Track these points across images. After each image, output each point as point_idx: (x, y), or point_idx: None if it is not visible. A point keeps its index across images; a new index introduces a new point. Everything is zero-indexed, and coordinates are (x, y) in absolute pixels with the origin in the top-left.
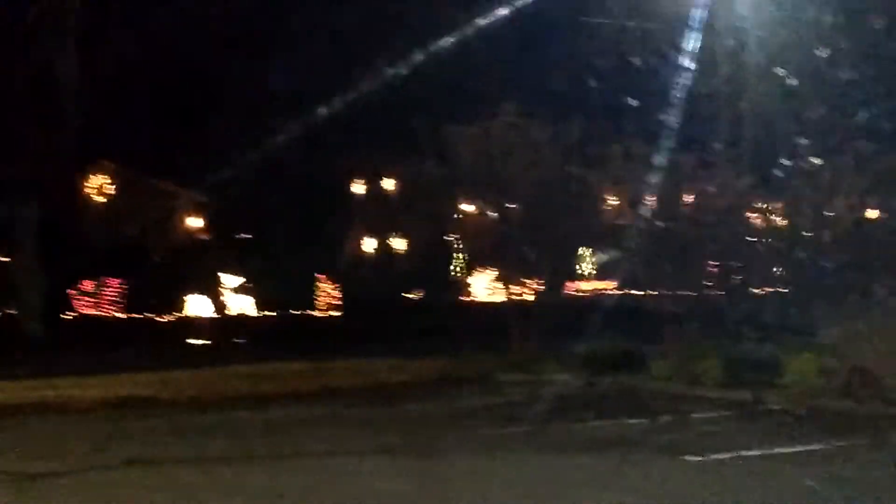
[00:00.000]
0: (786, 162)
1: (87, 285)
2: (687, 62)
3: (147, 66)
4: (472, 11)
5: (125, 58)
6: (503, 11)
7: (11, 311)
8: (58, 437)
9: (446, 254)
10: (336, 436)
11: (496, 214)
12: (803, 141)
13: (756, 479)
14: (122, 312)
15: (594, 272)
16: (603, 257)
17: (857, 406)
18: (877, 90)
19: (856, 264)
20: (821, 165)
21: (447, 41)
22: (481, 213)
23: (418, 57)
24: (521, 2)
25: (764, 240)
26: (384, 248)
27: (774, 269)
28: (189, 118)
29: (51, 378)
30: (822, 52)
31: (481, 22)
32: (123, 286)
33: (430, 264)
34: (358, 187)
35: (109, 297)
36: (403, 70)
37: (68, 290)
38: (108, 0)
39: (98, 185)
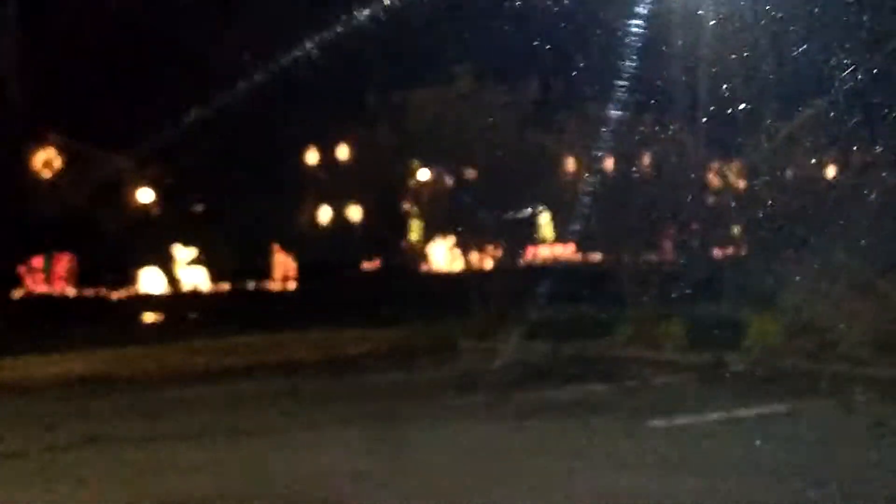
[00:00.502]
0: (743, 121)
1: (37, 262)
2: (643, 21)
3: (92, 36)
4: None
5: (69, 27)
6: None
7: None
8: (12, 418)
9: (403, 222)
10: (295, 409)
11: (452, 181)
12: (760, 100)
13: (721, 442)
14: (74, 288)
15: (553, 237)
16: (560, 221)
17: (820, 366)
18: (833, 48)
19: (816, 223)
20: (778, 124)
21: (399, 3)
22: (437, 180)
23: (369, 20)
24: None
25: (722, 201)
26: (339, 217)
27: (733, 231)
28: (137, 88)
29: (1, 358)
30: (779, 11)
31: None
32: (74, 262)
33: (386, 233)
34: (311, 155)
35: (60, 274)
36: (356, 35)
37: (18, 268)
38: None
39: (44, 160)
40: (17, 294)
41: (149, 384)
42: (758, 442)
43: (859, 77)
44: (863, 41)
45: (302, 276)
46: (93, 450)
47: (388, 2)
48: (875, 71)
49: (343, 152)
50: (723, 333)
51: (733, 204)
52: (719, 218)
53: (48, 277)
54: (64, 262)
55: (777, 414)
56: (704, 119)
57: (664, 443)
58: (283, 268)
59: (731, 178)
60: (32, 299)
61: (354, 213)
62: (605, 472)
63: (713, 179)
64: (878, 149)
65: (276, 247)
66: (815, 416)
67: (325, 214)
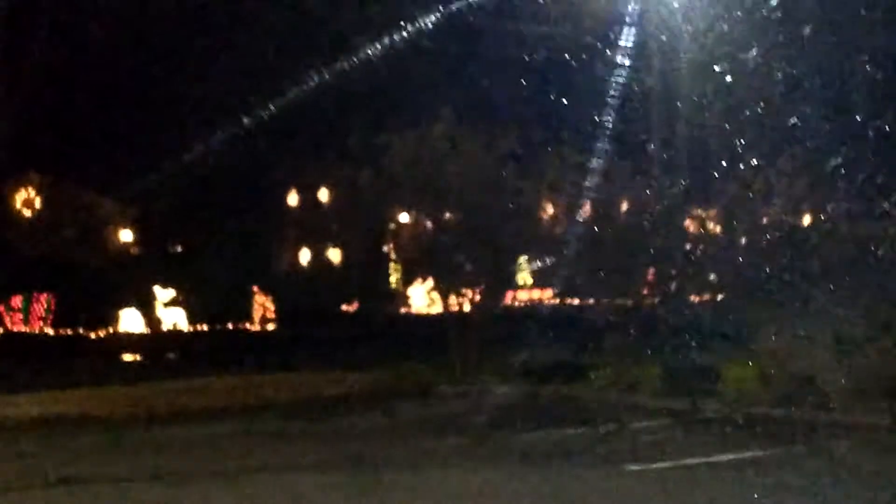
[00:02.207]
0: (720, 168)
1: (16, 301)
2: (621, 70)
3: (75, 77)
4: (405, 19)
5: (52, 68)
6: (437, 19)
7: None
8: None
9: (383, 264)
10: (273, 451)
11: (432, 224)
12: (738, 147)
13: (697, 488)
14: (52, 328)
15: (532, 281)
16: (539, 265)
17: (795, 413)
18: (811, 96)
19: (792, 271)
20: (755, 171)
21: (381, 49)
22: (417, 223)
23: (352, 65)
24: (456, 9)
25: (700, 246)
26: (320, 259)
27: (711, 276)
28: (119, 130)
29: None
30: (757, 59)
31: (415, 30)
32: (53, 301)
33: (366, 275)
34: (292, 197)
35: (39, 313)
36: (337, 79)
37: None
38: (32, 12)
39: (24, 199)
40: None
41: (125, 424)
42: (733, 487)
43: (837, 128)
44: (840, 94)
45: (281, 318)
46: (66, 490)
47: (371, 48)
48: (854, 122)
49: (324, 194)
50: (699, 379)
51: (710, 250)
52: (696, 264)
53: (27, 317)
54: (43, 302)
55: (753, 459)
56: (682, 165)
57: (641, 487)
58: (263, 309)
59: (709, 224)
60: (11, 338)
61: (334, 255)
62: None
63: (691, 225)
64: (854, 197)
65: (255, 288)
66: (789, 462)
67: (304, 256)
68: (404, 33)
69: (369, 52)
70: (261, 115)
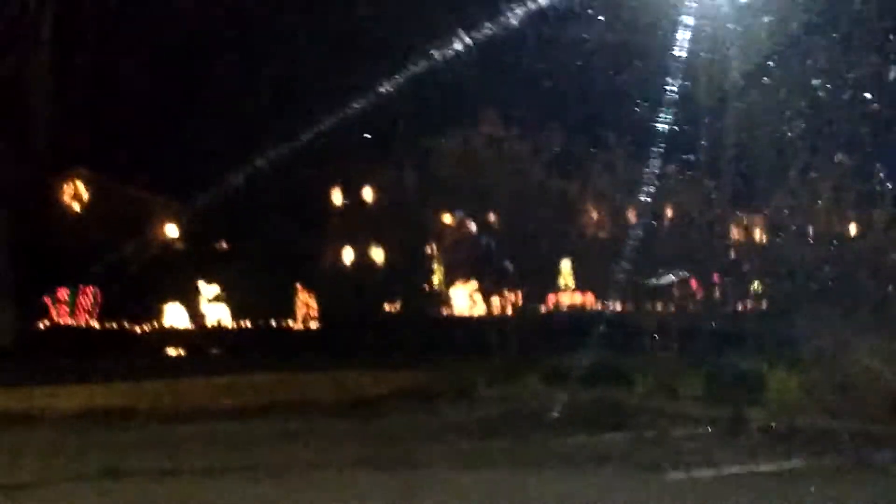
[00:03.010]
0: (768, 176)
1: (62, 294)
2: (668, 75)
3: (123, 73)
4: (455, 22)
5: (100, 64)
6: (485, 21)
7: None
8: (33, 448)
9: (426, 265)
10: (314, 449)
11: (475, 227)
12: (786, 155)
13: (738, 498)
14: (97, 321)
15: (574, 285)
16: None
17: (840, 423)
18: (859, 107)
19: (838, 279)
20: (802, 181)
21: (430, 51)
22: (461, 225)
23: (400, 67)
24: (503, 12)
25: (744, 253)
26: (363, 259)
27: (756, 283)
28: (165, 125)
29: (24, 388)
30: (806, 66)
31: (465, 32)
32: (98, 295)
33: (409, 276)
34: (337, 197)
35: (84, 306)
36: (384, 80)
37: (43, 299)
38: (82, 6)
39: (72, 193)
40: (43, 325)
41: (169, 418)
42: (775, 498)
43: (887, 136)
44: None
45: (324, 317)
46: (112, 482)
47: (419, 49)
48: None
49: (368, 194)
50: (742, 387)
51: (755, 257)
52: (741, 271)
53: (73, 309)
54: (89, 295)
55: (796, 470)
56: (729, 172)
57: (681, 495)
58: (306, 307)
59: (754, 231)
60: (57, 330)
61: (377, 255)
62: None
63: (736, 232)
64: None
65: (298, 286)
66: (833, 474)
67: (348, 256)
68: (453, 35)
69: (416, 53)
70: (307, 114)
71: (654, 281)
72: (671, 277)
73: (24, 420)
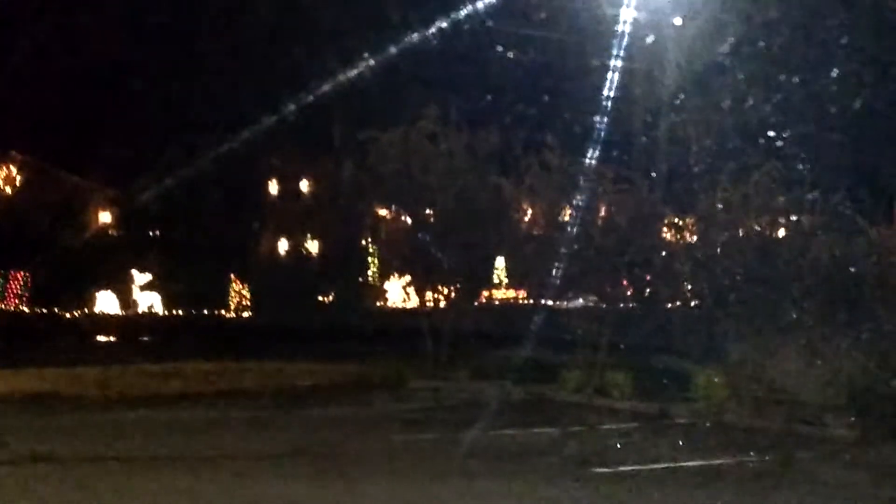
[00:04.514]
0: (700, 177)
1: None
2: (604, 74)
3: (59, 56)
4: (395, 17)
5: (36, 46)
6: (426, 18)
7: None
8: None
9: (361, 258)
10: (241, 438)
11: (411, 220)
12: (718, 157)
13: (663, 492)
14: (28, 306)
15: (507, 281)
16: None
17: (765, 423)
18: (789, 111)
19: (765, 282)
20: (734, 182)
21: (369, 44)
22: (397, 219)
23: (339, 61)
24: (444, 9)
25: (675, 254)
26: (297, 250)
27: (685, 284)
28: (102, 110)
29: None
30: (738, 66)
31: (403, 28)
32: (29, 280)
33: (344, 268)
34: (273, 187)
35: (15, 291)
36: (323, 73)
37: None
38: None
39: (5, 176)
40: None
41: (98, 405)
42: (699, 493)
43: (816, 141)
44: (819, 105)
45: (257, 307)
46: (39, 468)
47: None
48: (833, 134)
49: (305, 186)
50: (670, 385)
51: (685, 259)
52: (671, 270)
53: (2, 294)
54: (20, 280)
55: (720, 467)
56: (662, 173)
57: (607, 490)
58: (239, 297)
59: (685, 232)
60: None
61: (313, 246)
62: None
63: (668, 233)
64: (829, 212)
65: (232, 276)
66: (756, 471)
67: (283, 246)
68: (393, 31)
69: (356, 47)
70: (245, 104)
71: (564, 303)
72: (580, 301)
73: None
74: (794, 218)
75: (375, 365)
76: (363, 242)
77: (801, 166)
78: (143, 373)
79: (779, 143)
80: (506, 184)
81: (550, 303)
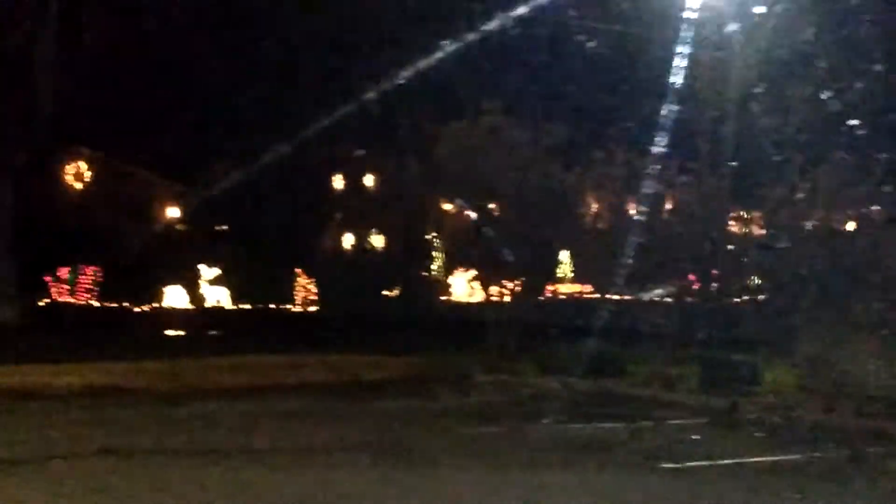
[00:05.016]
0: (768, 170)
1: (63, 272)
2: (672, 68)
3: (128, 54)
4: (459, 11)
5: (105, 43)
6: (491, 12)
7: None
8: (31, 425)
9: (426, 252)
10: (308, 431)
11: (475, 214)
12: (787, 150)
13: (730, 488)
14: (97, 300)
15: (572, 275)
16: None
17: (834, 418)
18: (860, 105)
19: (835, 275)
20: (802, 175)
21: (434, 38)
22: (461, 213)
23: (404, 55)
24: (509, 3)
25: (742, 247)
26: (362, 244)
27: (752, 279)
28: (169, 107)
29: (24, 365)
30: (810, 60)
31: (470, 22)
32: (99, 274)
33: (408, 262)
34: (338, 182)
35: (85, 285)
36: (388, 68)
37: (44, 277)
38: None
39: (75, 172)
40: (43, 303)
41: (166, 398)
42: (768, 489)
43: (887, 132)
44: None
45: (322, 301)
46: (108, 460)
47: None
48: None
49: (369, 180)
50: (738, 379)
51: (753, 251)
52: (739, 264)
53: (73, 288)
54: (90, 274)
55: (788, 462)
56: (729, 167)
57: (674, 485)
58: (305, 291)
59: (753, 225)
60: (57, 308)
61: (377, 241)
62: None
63: (735, 226)
64: None
65: (298, 270)
66: (826, 467)
67: (348, 241)
68: (457, 24)
69: (421, 41)
70: (310, 100)
71: (644, 295)
72: (659, 291)
73: (24, 396)
74: (863, 210)
75: (441, 358)
76: (428, 237)
77: (871, 158)
78: (212, 366)
79: (849, 135)
80: (570, 177)
81: (616, 297)
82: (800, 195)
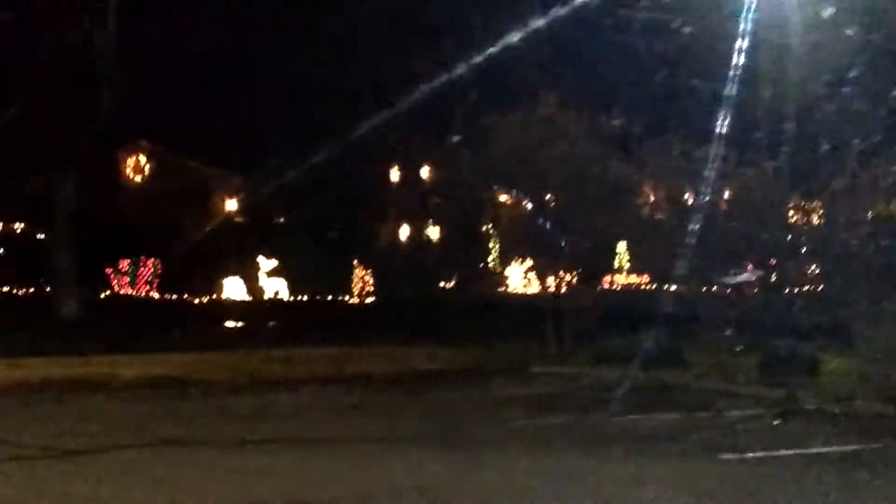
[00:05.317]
0: (827, 159)
1: (124, 264)
2: (730, 58)
3: (186, 48)
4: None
5: (163, 36)
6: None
7: (47, 289)
8: (93, 415)
9: (482, 243)
10: (366, 422)
11: (532, 206)
12: (846, 139)
13: (791, 479)
14: (157, 292)
15: (629, 266)
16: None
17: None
18: None
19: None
20: (862, 163)
21: (489, 29)
22: (517, 204)
23: (460, 46)
24: None
25: (801, 238)
26: (419, 236)
27: (811, 268)
28: (226, 100)
29: (85, 356)
30: (869, 47)
31: (524, 12)
32: (159, 266)
33: (464, 253)
34: (394, 174)
35: (145, 277)
36: (444, 58)
37: (105, 269)
38: None
39: (135, 165)
40: (104, 294)
41: (226, 389)
42: (828, 480)
43: None
44: None
45: (380, 293)
46: (169, 451)
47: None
48: None
49: (426, 172)
50: (797, 370)
51: (813, 242)
52: (798, 253)
53: (133, 280)
54: (150, 266)
55: (849, 453)
56: (788, 156)
57: (736, 476)
58: (362, 283)
59: (812, 215)
60: (118, 300)
61: (433, 232)
62: (675, 502)
63: (794, 216)
64: None
65: (355, 262)
66: (888, 458)
67: (404, 232)
68: (513, 14)
69: (476, 32)
70: (367, 92)
71: (726, 280)
72: (746, 275)
73: (86, 387)
74: None
75: (497, 349)
76: (484, 228)
77: None
78: (270, 358)
79: None
80: (627, 168)
81: (674, 288)
82: (860, 184)
